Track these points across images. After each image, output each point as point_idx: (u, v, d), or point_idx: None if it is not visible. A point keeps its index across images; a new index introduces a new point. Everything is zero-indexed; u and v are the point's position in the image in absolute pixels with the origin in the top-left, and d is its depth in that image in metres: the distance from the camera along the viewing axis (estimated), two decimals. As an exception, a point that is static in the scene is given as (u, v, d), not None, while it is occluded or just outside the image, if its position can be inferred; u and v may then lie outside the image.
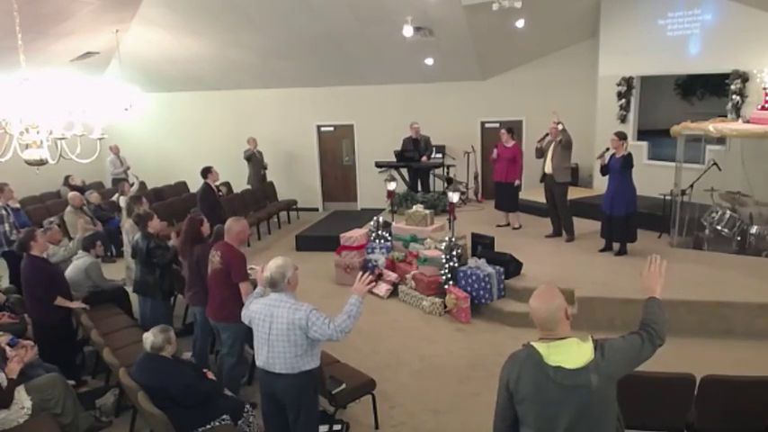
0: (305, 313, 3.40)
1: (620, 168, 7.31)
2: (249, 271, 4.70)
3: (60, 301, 5.39)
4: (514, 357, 2.46)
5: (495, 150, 8.95)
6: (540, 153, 8.33)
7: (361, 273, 3.78)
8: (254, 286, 4.07)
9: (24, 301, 5.76)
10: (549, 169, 8.19)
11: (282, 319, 3.41)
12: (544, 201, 8.65)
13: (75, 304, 5.60)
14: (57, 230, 6.50)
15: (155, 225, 5.82)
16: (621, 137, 7.42)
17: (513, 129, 9.33)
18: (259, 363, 3.56)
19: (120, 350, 5.02)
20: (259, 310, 3.53)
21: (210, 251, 4.72)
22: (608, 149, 7.48)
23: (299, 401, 3.54)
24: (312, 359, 3.53)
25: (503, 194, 9.10)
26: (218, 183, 9.40)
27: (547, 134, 8.27)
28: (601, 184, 8.49)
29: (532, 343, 2.39)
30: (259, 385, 3.77)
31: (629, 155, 7.33)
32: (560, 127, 8.05)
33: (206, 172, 8.96)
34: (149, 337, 4.06)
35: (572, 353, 2.30)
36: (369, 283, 3.66)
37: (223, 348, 4.88)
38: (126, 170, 12.10)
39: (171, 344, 4.09)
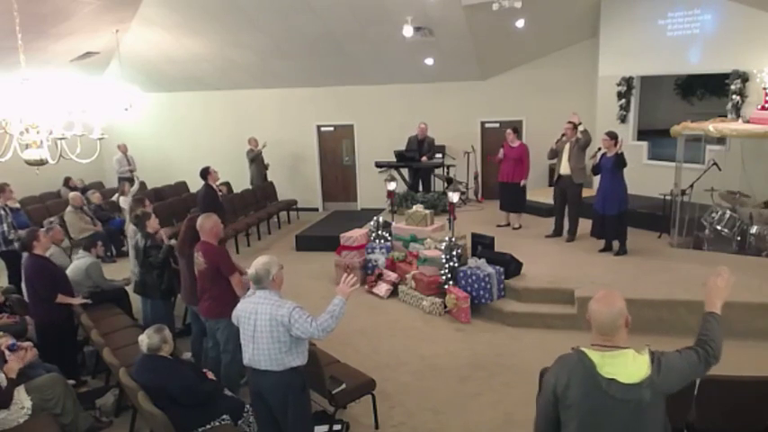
0: (287, 310, 3.42)
1: (611, 167, 7.34)
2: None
3: (61, 299, 5.40)
4: (564, 362, 2.35)
5: (501, 150, 8.94)
6: (554, 154, 8.31)
7: (345, 274, 3.77)
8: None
9: (26, 301, 5.77)
10: (565, 170, 8.15)
11: (266, 316, 3.44)
12: (545, 201, 8.66)
13: (77, 300, 5.61)
14: (59, 230, 6.51)
15: (153, 225, 5.83)
16: (612, 136, 7.44)
17: (518, 128, 9.32)
18: (245, 360, 3.59)
19: (120, 350, 5.02)
20: (244, 307, 3.57)
21: (194, 253, 4.77)
22: (600, 149, 7.51)
23: (285, 400, 3.54)
24: (298, 356, 3.54)
25: (508, 195, 9.08)
26: (218, 182, 9.39)
27: (563, 135, 8.24)
28: (600, 185, 8.48)
29: (584, 349, 2.29)
30: (248, 384, 3.78)
31: (622, 154, 7.35)
32: (581, 127, 8.04)
33: (205, 173, 8.95)
34: (144, 339, 4.06)
35: (628, 366, 2.22)
36: (353, 285, 3.64)
37: (219, 348, 4.90)
38: (131, 170, 12.04)
39: (167, 343, 4.09)
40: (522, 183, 8.88)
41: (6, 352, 4.34)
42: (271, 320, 3.42)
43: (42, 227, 6.52)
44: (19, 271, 7.43)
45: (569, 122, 8.14)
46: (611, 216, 7.43)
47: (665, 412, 2.32)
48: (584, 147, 8.05)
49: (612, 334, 2.28)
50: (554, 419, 2.37)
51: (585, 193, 9.96)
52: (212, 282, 4.68)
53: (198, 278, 4.80)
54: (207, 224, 4.73)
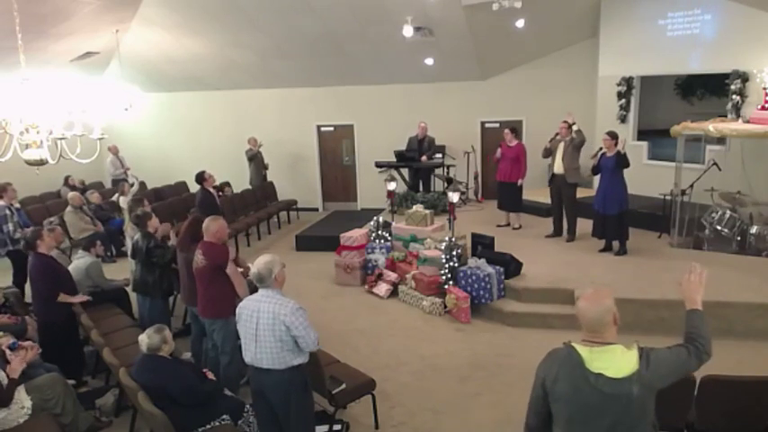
0: (290, 309, 3.43)
1: (612, 167, 7.33)
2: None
3: (63, 298, 5.40)
4: (553, 356, 2.39)
5: (499, 150, 8.95)
6: (548, 153, 8.32)
7: None
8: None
9: (26, 301, 5.77)
10: (559, 170, 8.16)
11: (268, 315, 3.44)
12: (545, 201, 8.66)
13: (78, 298, 5.61)
14: (60, 231, 6.51)
15: (153, 224, 5.83)
16: (613, 136, 7.44)
17: (516, 128, 9.33)
18: (247, 359, 3.59)
19: (120, 350, 5.02)
20: (246, 305, 3.57)
21: (195, 252, 4.79)
22: (601, 149, 7.50)
23: (287, 399, 3.54)
24: (300, 354, 3.54)
25: (505, 194, 9.08)
26: (217, 184, 9.39)
27: (557, 134, 8.26)
28: (600, 185, 8.49)
29: (574, 344, 2.32)
30: (250, 383, 3.78)
31: (625, 154, 7.34)
32: (575, 127, 8.04)
33: (200, 178, 8.93)
34: (144, 339, 4.06)
35: (616, 361, 2.24)
36: None
37: (217, 347, 4.91)
38: (126, 171, 12.06)
39: (167, 343, 4.09)
40: (520, 182, 8.89)
41: (8, 351, 4.34)
42: (273, 319, 3.42)
43: (43, 227, 6.52)
44: (25, 270, 7.46)
45: (564, 122, 8.15)
46: (612, 216, 7.43)
47: (653, 408, 2.33)
48: (579, 147, 8.05)
49: (601, 331, 2.31)
50: (544, 413, 2.40)
51: (584, 192, 9.98)
52: (209, 281, 4.69)
53: (195, 277, 4.80)
54: (212, 227, 4.74)
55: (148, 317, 5.67)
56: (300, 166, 13.20)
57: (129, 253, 6.73)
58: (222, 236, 4.84)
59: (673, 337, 2.55)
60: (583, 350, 2.28)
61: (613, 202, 7.37)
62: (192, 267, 4.87)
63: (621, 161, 7.29)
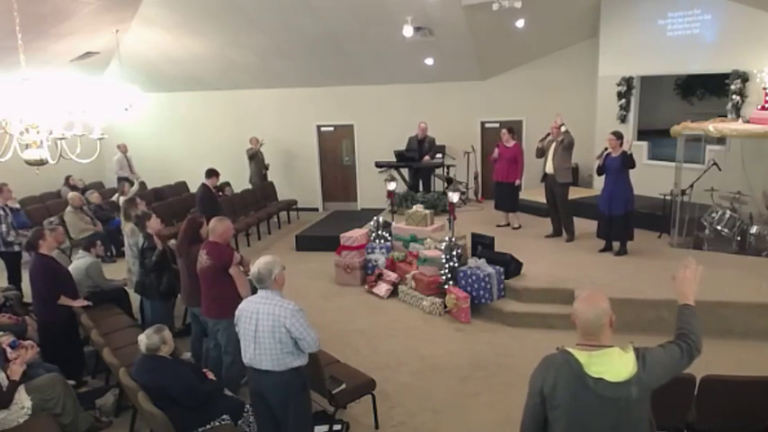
0: (290, 311, 3.42)
1: (618, 167, 7.31)
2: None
3: (63, 300, 5.39)
4: (549, 362, 2.35)
5: (496, 150, 8.95)
6: (541, 153, 8.33)
7: None
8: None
9: (26, 301, 5.77)
10: (550, 169, 8.18)
11: (268, 317, 3.43)
12: (544, 201, 8.65)
13: (78, 302, 5.61)
14: (61, 231, 6.50)
15: (153, 225, 5.83)
16: (618, 136, 7.43)
17: (514, 129, 9.33)
18: (246, 360, 3.58)
19: (120, 350, 5.02)
20: (246, 307, 3.57)
21: (200, 252, 4.79)
22: (606, 149, 7.49)
23: (286, 400, 3.54)
24: (300, 356, 3.54)
25: (503, 194, 9.09)
26: (217, 184, 9.39)
27: (548, 134, 8.27)
28: (601, 184, 8.49)
29: (570, 350, 2.30)
30: (248, 384, 3.78)
31: (631, 155, 7.33)
32: (563, 128, 8.05)
33: (211, 173, 8.93)
34: (143, 340, 4.06)
35: (615, 364, 2.23)
36: None
37: (221, 349, 4.90)
38: (132, 174, 11.95)
39: (167, 343, 4.08)
40: (517, 182, 8.89)
41: (8, 350, 4.34)
42: (273, 321, 3.42)
43: (44, 227, 6.52)
44: (18, 271, 7.46)
45: (555, 122, 8.14)
46: (618, 216, 7.40)
47: (650, 407, 2.34)
48: (568, 147, 8.06)
49: (597, 333, 2.30)
50: (541, 420, 2.38)
51: (585, 193, 9.98)
52: (213, 281, 4.69)
53: (200, 277, 4.80)
54: (219, 228, 4.75)
55: (150, 318, 5.67)
56: (300, 166, 13.20)
57: (127, 254, 6.73)
58: (227, 237, 4.86)
59: (671, 337, 2.55)
60: (581, 355, 2.27)
61: (619, 202, 7.34)
62: (194, 268, 4.87)
63: (627, 161, 7.28)
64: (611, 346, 2.28)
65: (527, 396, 2.43)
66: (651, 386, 2.28)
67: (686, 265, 2.59)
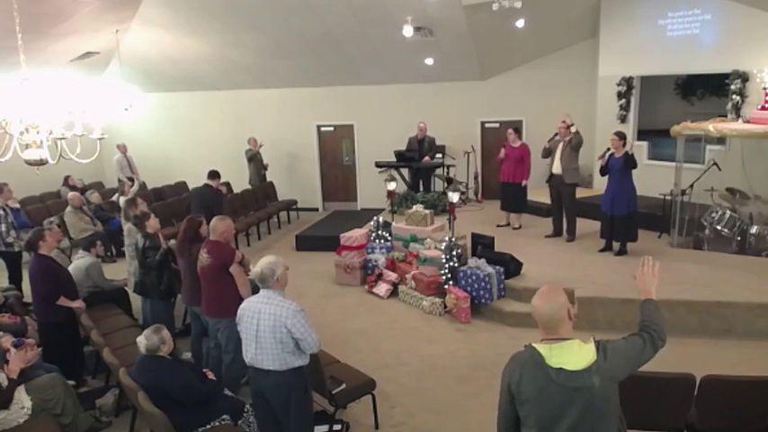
0: (291, 312, 3.43)
1: (621, 168, 7.31)
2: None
3: (62, 301, 5.39)
4: (516, 359, 2.45)
5: (503, 150, 8.93)
6: (548, 153, 8.31)
7: None
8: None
9: (26, 301, 5.76)
10: (557, 170, 8.16)
11: (269, 317, 3.44)
12: (544, 201, 8.66)
13: (76, 304, 5.61)
14: (57, 231, 6.49)
15: (153, 224, 5.83)
16: (621, 137, 7.42)
17: (518, 129, 9.33)
18: (247, 359, 3.58)
19: (120, 350, 5.02)
20: (247, 307, 3.57)
21: (200, 251, 4.80)
22: (608, 149, 7.48)
23: (288, 400, 3.54)
24: (301, 356, 3.54)
25: (509, 195, 9.07)
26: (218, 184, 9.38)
27: (556, 134, 8.25)
28: (601, 184, 8.50)
29: (534, 344, 2.38)
30: (250, 383, 3.78)
31: (632, 155, 7.33)
32: (573, 129, 8.04)
33: (214, 175, 8.90)
34: (142, 340, 4.06)
35: (574, 354, 2.29)
36: None
37: (221, 348, 4.90)
38: (133, 176, 11.90)
39: (166, 343, 4.08)
40: (524, 183, 8.88)
41: (12, 350, 4.34)
42: (274, 321, 3.42)
43: (44, 227, 6.52)
44: (19, 271, 7.46)
45: (563, 122, 8.14)
46: (621, 216, 7.38)
47: (617, 400, 2.38)
48: (576, 147, 8.05)
49: (556, 327, 2.36)
50: (513, 417, 2.43)
51: (587, 193, 9.98)
52: (214, 280, 4.70)
53: (200, 276, 4.81)
54: (220, 227, 4.77)
55: (151, 318, 5.67)
56: (300, 166, 13.20)
57: (127, 254, 6.73)
58: (229, 236, 4.89)
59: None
60: (542, 348, 2.34)
61: (622, 202, 7.33)
62: (195, 267, 4.88)
63: (629, 162, 7.28)
64: (572, 339, 2.34)
65: (499, 394, 2.49)
66: (615, 376, 2.33)
67: (644, 262, 2.73)
